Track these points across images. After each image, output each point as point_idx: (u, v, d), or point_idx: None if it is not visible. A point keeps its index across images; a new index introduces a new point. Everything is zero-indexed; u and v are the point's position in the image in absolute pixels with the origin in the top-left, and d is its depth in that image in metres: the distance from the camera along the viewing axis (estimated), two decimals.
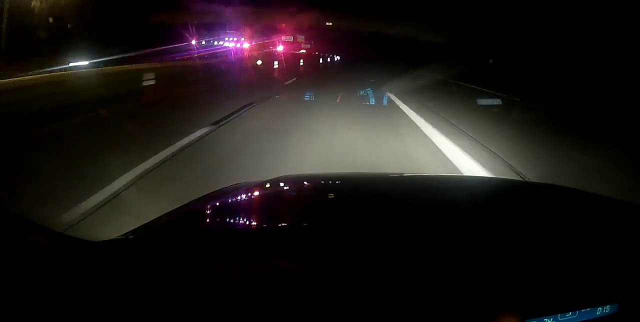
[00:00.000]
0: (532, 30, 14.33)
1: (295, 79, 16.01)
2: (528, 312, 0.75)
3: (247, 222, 1.25)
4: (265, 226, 1.21)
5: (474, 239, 1.00)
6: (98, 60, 14.47)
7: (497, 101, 9.34)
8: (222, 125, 6.30)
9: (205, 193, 1.51)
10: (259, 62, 24.00)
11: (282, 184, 1.65)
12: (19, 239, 0.81)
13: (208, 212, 1.38)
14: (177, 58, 20.99)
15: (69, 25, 18.31)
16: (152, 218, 1.26)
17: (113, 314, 0.71)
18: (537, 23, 14.20)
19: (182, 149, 4.77)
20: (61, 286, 0.74)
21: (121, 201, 3.16)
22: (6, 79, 10.46)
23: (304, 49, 42.44)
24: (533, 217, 1.19)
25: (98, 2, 18.70)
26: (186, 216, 1.32)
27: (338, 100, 10.34)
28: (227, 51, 30.46)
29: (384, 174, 2.26)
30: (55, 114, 6.28)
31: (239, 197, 1.52)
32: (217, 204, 1.47)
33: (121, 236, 1.10)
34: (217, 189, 1.58)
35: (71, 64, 13.81)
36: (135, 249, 0.99)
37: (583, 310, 0.78)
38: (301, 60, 28.36)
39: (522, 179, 3.61)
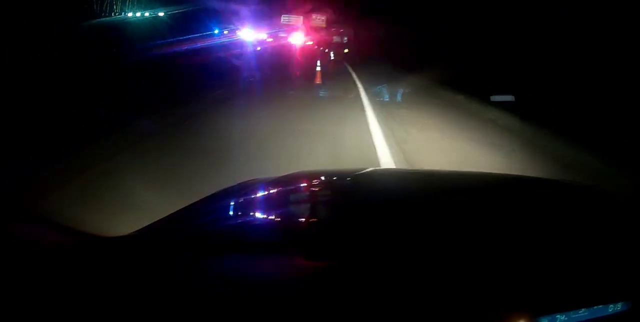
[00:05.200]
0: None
1: None
2: (540, 309, 0.76)
3: (263, 219, 1.25)
4: (280, 222, 1.21)
5: (485, 236, 1.01)
6: None
7: (509, 98, 7.17)
8: None
9: (220, 189, 1.50)
10: None
11: (296, 180, 1.65)
12: (34, 235, 0.84)
13: (223, 208, 1.37)
14: None
15: None
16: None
17: (124, 311, 0.72)
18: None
19: None
20: (74, 280, 0.77)
21: None
22: None
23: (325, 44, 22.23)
24: (545, 214, 1.19)
25: None
26: (200, 212, 1.33)
27: None
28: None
29: (401, 170, 2.47)
30: None
31: (253, 194, 1.50)
32: (232, 200, 1.45)
33: (135, 232, 1.10)
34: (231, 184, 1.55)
35: None
36: (148, 245, 1.00)
37: (595, 307, 0.79)
38: None
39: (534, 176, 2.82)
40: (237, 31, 23.85)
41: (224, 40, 22.07)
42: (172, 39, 16.61)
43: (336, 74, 13.67)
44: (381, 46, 22.40)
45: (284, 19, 21.09)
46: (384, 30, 22.63)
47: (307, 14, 21.30)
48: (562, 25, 10.75)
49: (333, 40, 23.95)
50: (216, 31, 24.43)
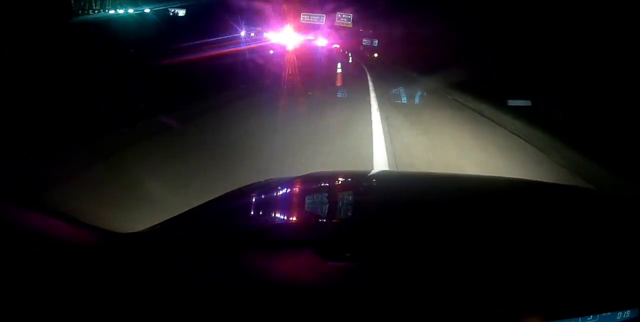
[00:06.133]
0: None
1: None
2: (551, 315, 0.77)
3: (277, 219, 1.25)
4: (295, 222, 1.21)
5: (499, 241, 1.01)
6: None
7: (526, 102, 7.51)
8: None
9: (236, 188, 1.51)
10: None
11: (310, 182, 1.64)
12: (45, 228, 0.82)
13: (238, 207, 1.38)
14: None
15: None
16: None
17: (136, 306, 0.72)
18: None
19: None
20: (86, 276, 0.76)
21: None
22: None
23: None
24: (556, 221, 1.20)
25: None
26: (216, 211, 1.33)
27: None
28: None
29: (416, 173, 2.55)
30: None
31: (268, 193, 1.51)
32: (247, 199, 1.46)
33: (150, 227, 1.09)
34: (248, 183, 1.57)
35: None
36: (163, 242, 0.99)
37: (604, 314, 0.80)
38: None
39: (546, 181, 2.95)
40: (263, 33, 22.26)
41: (252, 44, 20.40)
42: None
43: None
44: (416, 49, 20.15)
45: (303, 17, 17.11)
46: (415, 30, 20.21)
47: (330, 12, 17.42)
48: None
49: (362, 42, 21.43)
50: (242, 33, 22.92)
